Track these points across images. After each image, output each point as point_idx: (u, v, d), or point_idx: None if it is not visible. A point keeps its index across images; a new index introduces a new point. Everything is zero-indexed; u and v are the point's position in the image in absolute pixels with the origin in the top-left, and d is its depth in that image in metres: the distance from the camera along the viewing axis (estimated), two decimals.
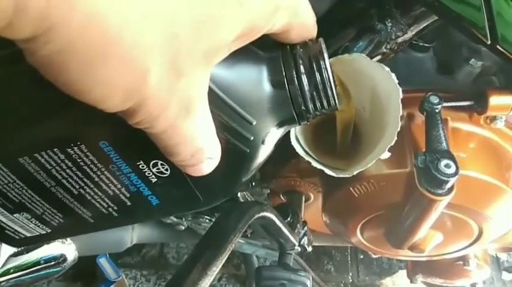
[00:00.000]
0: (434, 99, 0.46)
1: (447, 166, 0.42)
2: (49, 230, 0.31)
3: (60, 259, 0.70)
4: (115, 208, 0.29)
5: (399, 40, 0.44)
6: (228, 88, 0.23)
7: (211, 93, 0.21)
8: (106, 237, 0.77)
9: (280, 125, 0.26)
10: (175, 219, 0.76)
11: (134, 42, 0.17)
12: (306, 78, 0.24)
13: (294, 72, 0.24)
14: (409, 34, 0.44)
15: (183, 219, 0.77)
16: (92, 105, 0.18)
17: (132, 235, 0.79)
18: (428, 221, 0.48)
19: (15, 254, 0.66)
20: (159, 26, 0.17)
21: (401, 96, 0.34)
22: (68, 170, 0.26)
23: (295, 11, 0.23)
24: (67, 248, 0.71)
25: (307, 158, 0.40)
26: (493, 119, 0.49)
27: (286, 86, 0.24)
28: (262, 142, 0.26)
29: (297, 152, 0.57)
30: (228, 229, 0.37)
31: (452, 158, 0.42)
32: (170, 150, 0.21)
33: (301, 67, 0.24)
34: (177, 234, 0.81)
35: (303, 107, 0.25)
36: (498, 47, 0.41)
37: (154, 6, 0.17)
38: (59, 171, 0.26)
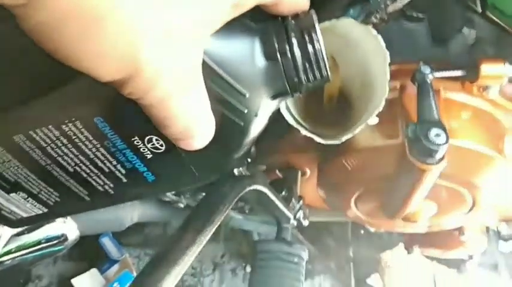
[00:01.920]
0: (426, 69, 0.46)
1: (437, 135, 0.42)
2: (46, 210, 0.31)
3: (61, 238, 0.71)
4: (111, 185, 0.29)
5: (389, 9, 0.43)
6: (221, 60, 0.23)
7: (204, 65, 0.21)
8: (106, 216, 0.78)
9: (273, 97, 0.26)
10: (173, 197, 0.77)
11: (129, 9, 0.16)
12: (298, 50, 0.24)
13: (287, 45, 0.24)
14: (399, 3, 0.43)
15: (182, 197, 0.77)
16: (86, 81, 0.18)
17: (132, 214, 0.80)
18: (421, 191, 0.48)
19: (17, 234, 0.67)
20: None
21: (388, 60, 0.34)
22: (63, 148, 0.26)
23: None
24: (68, 227, 0.72)
25: (297, 126, 0.40)
26: (486, 88, 0.49)
27: (279, 58, 0.25)
28: (256, 115, 0.26)
29: (291, 126, 0.58)
30: (218, 200, 0.38)
31: (442, 127, 0.42)
32: (163, 122, 0.21)
33: (294, 39, 0.24)
34: (176, 212, 0.82)
35: (295, 79, 0.25)
36: (488, 14, 0.40)
37: None
38: (54, 149, 0.26)
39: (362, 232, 1.27)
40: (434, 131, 0.42)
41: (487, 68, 0.46)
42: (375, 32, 0.34)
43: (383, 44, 0.34)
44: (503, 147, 0.52)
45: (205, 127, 0.23)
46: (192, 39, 0.19)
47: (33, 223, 0.32)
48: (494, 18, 0.40)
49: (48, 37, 0.16)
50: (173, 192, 0.76)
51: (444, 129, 0.42)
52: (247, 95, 0.25)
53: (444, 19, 0.52)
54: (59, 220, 0.69)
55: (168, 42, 0.18)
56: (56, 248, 0.71)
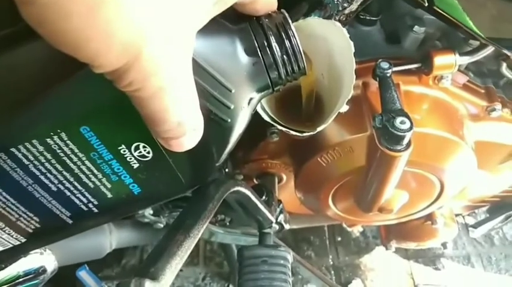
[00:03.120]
0: (385, 65, 0.50)
1: (402, 122, 0.45)
2: (23, 240, 0.29)
3: (40, 271, 0.69)
4: (95, 202, 0.28)
5: (346, 11, 0.47)
6: (207, 57, 0.24)
7: (192, 61, 0.22)
8: (85, 243, 0.76)
9: (256, 92, 0.27)
10: (152, 217, 0.77)
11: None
12: (276, 45, 0.26)
13: (265, 41, 0.26)
14: (355, 5, 0.47)
15: (161, 216, 0.77)
16: (72, 87, 0.19)
17: (111, 239, 0.79)
18: (393, 179, 0.51)
19: None
20: None
21: (353, 50, 0.37)
22: (46, 164, 0.25)
23: None
24: (46, 259, 0.70)
25: (273, 123, 0.42)
26: (440, 78, 0.53)
27: (260, 54, 0.26)
28: (242, 111, 0.27)
29: (264, 135, 0.60)
30: (206, 199, 0.39)
31: (406, 115, 0.46)
32: (158, 116, 0.21)
33: (271, 36, 0.26)
34: (156, 233, 0.82)
35: (276, 73, 0.27)
36: (435, 8, 0.45)
37: None
38: (37, 166, 0.25)
39: (339, 238, 1.29)
40: (399, 119, 0.45)
41: (439, 59, 0.50)
42: (338, 24, 0.37)
43: (347, 35, 0.37)
44: (463, 133, 0.57)
45: (196, 124, 0.23)
46: (189, 27, 0.20)
47: (8, 258, 0.30)
48: (441, 11, 0.44)
49: (54, 19, 0.16)
50: (152, 212, 0.76)
51: (408, 117, 0.46)
52: (233, 91, 0.26)
53: (395, 20, 0.57)
54: (36, 251, 0.67)
55: (167, 32, 0.18)
56: (34, 282, 0.69)
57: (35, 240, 0.30)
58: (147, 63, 0.18)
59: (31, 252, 0.67)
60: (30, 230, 0.28)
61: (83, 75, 0.21)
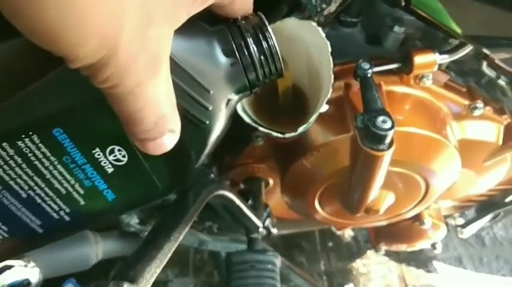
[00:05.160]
0: (366, 65, 0.50)
1: (383, 121, 0.45)
2: None
3: (24, 283, 0.67)
4: (67, 210, 0.27)
5: (325, 12, 0.47)
6: (185, 57, 0.24)
7: (170, 61, 0.21)
8: (70, 256, 0.75)
9: (234, 93, 0.27)
10: (138, 226, 0.76)
11: None
12: (254, 47, 0.26)
13: (243, 42, 0.26)
14: (333, 6, 0.47)
15: (147, 225, 0.76)
16: (44, 86, 0.18)
17: (97, 250, 0.78)
18: (378, 179, 0.51)
19: None
20: None
21: (330, 49, 0.37)
22: (17, 169, 0.24)
23: None
24: (30, 271, 0.68)
25: (254, 125, 0.42)
26: (421, 78, 0.54)
27: (238, 55, 0.26)
28: (219, 112, 0.27)
29: (249, 139, 0.59)
30: (188, 202, 0.39)
31: (387, 114, 0.46)
32: (135, 116, 0.21)
33: (249, 38, 0.26)
34: None
35: (254, 74, 0.27)
36: (412, 7, 0.45)
37: None
38: (7, 171, 0.24)
39: (330, 244, 1.29)
40: (380, 119, 0.45)
41: (419, 59, 0.51)
42: (314, 24, 0.37)
43: (323, 34, 0.37)
44: (446, 132, 0.57)
45: (174, 125, 0.23)
46: (167, 21, 0.20)
47: None
48: (419, 11, 0.44)
49: (31, 9, 0.15)
50: (138, 221, 0.75)
51: (389, 116, 0.46)
52: (212, 92, 0.25)
53: (376, 21, 0.57)
54: (19, 263, 0.66)
55: (146, 21, 0.18)
56: None
57: (1, 251, 0.28)
58: (124, 58, 0.18)
59: (14, 264, 0.66)
60: None
61: (57, 74, 0.21)
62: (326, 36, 0.38)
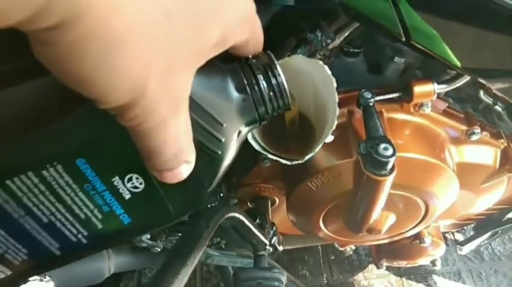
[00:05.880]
0: (368, 94, 0.53)
1: (385, 148, 0.48)
2: (8, 272, 0.28)
3: None
4: (85, 233, 0.28)
5: (330, 47, 0.50)
6: (201, 95, 0.26)
7: (189, 99, 0.23)
8: (84, 270, 0.78)
9: (245, 125, 0.29)
10: (150, 242, 0.79)
11: (147, 34, 0.18)
12: (264, 84, 0.28)
13: (254, 80, 0.28)
14: (338, 41, 0.50)
15: (158, 241, 0.79)
16: (70, 120, 0.20)
17: (109, 264, 0.80)
18: (379, 202, 0.54)
19: None
20: (164, 19, 0.19)
21: (335, 85, 0.40)
22: (40, 196, 0.25)
23: (252, 25, 0.27)
24: (46, 286, 0.71)
25: (263, 152, 0.44)
26: (421, 106, 0.57)
27: (249, 91, 0.28)
28: (231, 143, 0.29)
29: (257, 161, 0.62)
30: (201, 229, 0.41)
31: (389, 141, 0.49)
32: (156, 149, 0.22)
33: (259, 74, 0.28)
34: (154, 257, 0.83)
35: (263, 108, 0.29)
36: (412, 42, 0.48)
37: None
38: (31, 198, 0.25)
39: (333, 257, 1.31)
40: (382, 146, 0.48)
41: (419, 88, 0.54)
42: (321, 62, 0.40)
43: (329, 72, 0.40)
44: (445, 156, 0.60)
45: (190, 156, 0.24)
46: (189, 66, 0.22)
47: None
48: (418, 45, 0.47)
49: (70, 59, 0.17)
50: (149, 236, 0.77)
51: (390, 143, 0.49)
52: (224, 125, 0.28)
53: (377, 51, 0.60)
54: (34, 277, 0.68)
55: (172, 67, 0.20)
56: None
57: (20, 272, 0.29)
58: (150, 100, 0.19)
59: (30, 279, 0.69)
60: (17, 263, 0.28)
61: (84, 110, 0.22)
62: (330, 65, 0.41)
